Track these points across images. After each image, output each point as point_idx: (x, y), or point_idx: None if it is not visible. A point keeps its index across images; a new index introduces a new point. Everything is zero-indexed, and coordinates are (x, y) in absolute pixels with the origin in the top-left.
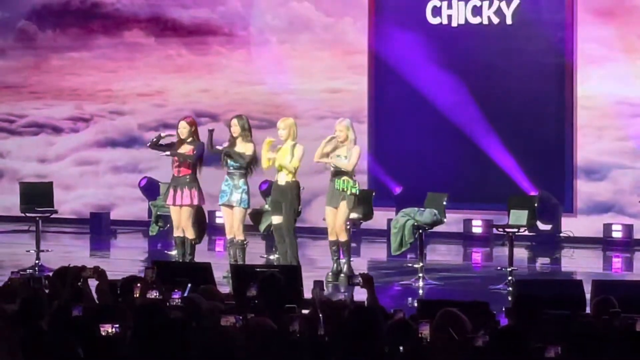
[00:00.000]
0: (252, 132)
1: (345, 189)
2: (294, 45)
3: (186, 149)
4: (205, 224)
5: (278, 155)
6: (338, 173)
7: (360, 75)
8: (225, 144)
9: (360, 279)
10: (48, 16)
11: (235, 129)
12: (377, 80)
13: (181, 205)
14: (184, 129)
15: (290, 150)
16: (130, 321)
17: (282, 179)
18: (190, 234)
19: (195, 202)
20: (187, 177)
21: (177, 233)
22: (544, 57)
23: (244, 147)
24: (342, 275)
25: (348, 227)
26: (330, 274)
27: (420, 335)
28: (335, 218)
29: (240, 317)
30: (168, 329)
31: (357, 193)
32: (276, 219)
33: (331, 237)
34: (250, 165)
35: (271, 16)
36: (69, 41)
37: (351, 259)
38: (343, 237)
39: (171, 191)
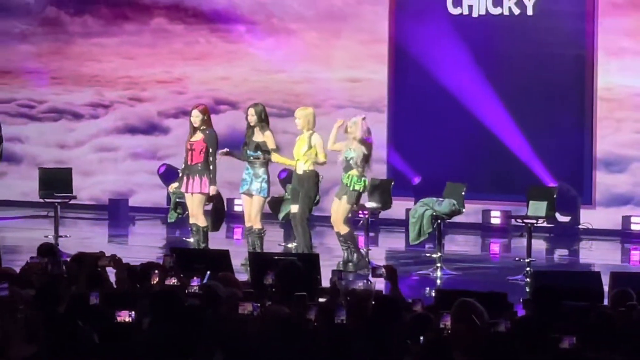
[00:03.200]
0: (268, 120)
1: (348, 185)
2: (315, 33)
3: (198, 137)
4: (223, 212)
5: (296, 145)
6: (347, 167)
7: (381, 65)
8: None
9: (384, 270)
10: (73, 2)
11: (252, 118)
12: (397, 69)
13: (192, 193)
14: (196, 117)
15: (307, 140)
16: (147, 308)
17: (300, 168)
18: (201, 222)
19: (206, 190)
20: (199, 165)
21: (192, 220)
22: (564, 48)
23: (261, 137)
24: (350, 264)
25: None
26: (340, 263)
27: (443, 326)
28: (337, 210)
29: (258, 305)
30: (184, 315)
31: (362, 190)
32: (294, 208)
33: (335, 229)
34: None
35: (295, 4)
36: (93, 27)
37: (364, 249)
38: (343, 230)
39: (185, 179)
